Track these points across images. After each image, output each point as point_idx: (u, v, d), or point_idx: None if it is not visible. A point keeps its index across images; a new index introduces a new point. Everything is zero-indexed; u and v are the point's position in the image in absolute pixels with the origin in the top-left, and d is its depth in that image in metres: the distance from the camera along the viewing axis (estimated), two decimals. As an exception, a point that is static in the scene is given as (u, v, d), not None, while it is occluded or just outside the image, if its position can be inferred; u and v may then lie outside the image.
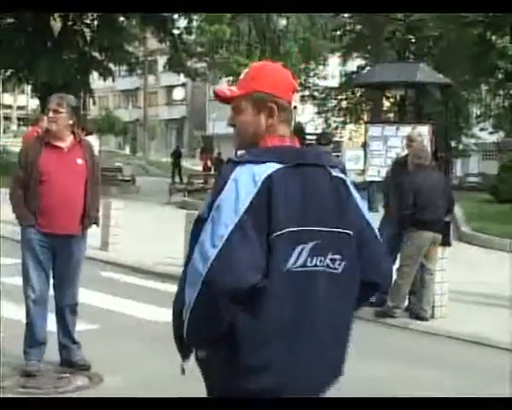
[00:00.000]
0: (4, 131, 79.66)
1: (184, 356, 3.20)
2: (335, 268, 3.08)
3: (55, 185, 6.71)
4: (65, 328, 7.00)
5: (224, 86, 3.46)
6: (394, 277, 9.47)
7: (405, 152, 10.35)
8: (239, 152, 3.25)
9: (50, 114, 6.73)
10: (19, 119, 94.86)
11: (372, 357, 7.86)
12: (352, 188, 3.24)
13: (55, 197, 6.71)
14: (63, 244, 6.80)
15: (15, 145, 37.60)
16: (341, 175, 3.20)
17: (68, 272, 6.94)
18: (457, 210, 16.97)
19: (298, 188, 3.04)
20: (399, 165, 10.22)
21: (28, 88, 42.70)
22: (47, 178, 6.69)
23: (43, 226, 6.70)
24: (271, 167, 2.99)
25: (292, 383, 3.06)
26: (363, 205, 3.29)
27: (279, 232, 2.95)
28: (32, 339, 6.79)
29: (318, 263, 3.04)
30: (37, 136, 7.21)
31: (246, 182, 2.96)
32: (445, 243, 9.58)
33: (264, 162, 3.02)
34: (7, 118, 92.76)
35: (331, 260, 3.07)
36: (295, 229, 2.99)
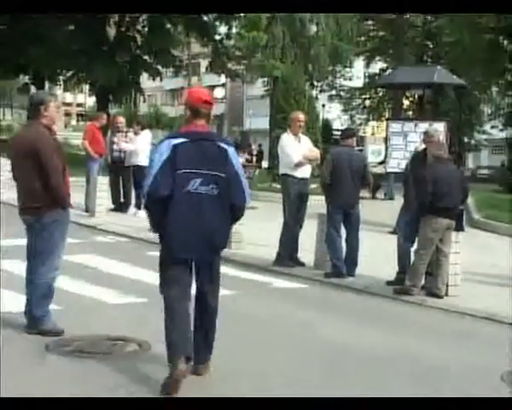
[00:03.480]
0: (66, 126, 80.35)
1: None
2: (213, 192, 5.55)
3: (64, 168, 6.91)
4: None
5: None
6: (412, 258, 9.46)
7: (423, 146, 10.28)
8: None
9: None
10: (78, 115, 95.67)
11: (394, 330, 7.86)
12: (230, 152, 5.65)
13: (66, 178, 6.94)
14: None
15: (75, 138, 37.89)
16: (224, 146, 5.66)
17: None
18: (469, 199, 16.81)
19: (194, 151, 5.52)
20: (418, 158, 10.17)
21: (86, 87, 42.92)
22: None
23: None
24: (178, 140, 5.56)
25: (187, 245, 5.54)
26: (236, 162, 5.69)
27: (180, 171, 5.46)
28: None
29: (203, 189, 5.52)
30: (46, 127, 6.79)
31: (165, 147, 5.52)
32: (459, 228, 9.51)
33: (176, 138, 5.62)
34: (67, 114, 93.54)
35: (211, 188, 5.54)
36: (191, 171, 5.48)
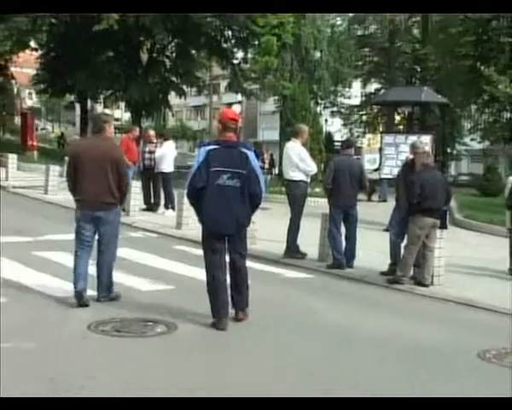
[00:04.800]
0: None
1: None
2: (237, 185, 6.41)
3: None
4: None
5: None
6: (402, 252, 9.42)
7: (412, 156, 10.23)
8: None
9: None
10: (115, 128, 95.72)
11: (386, 314, 7.84)
12: (249, 155, 6.49)
13: None
14: None
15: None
16: (245, 150, 6.50)
17: None
18: (452, 201, 16.75)
19: (223, 155, 6.43)
20: (408, 166, 10.12)
21: (122, 104, 43.04)
22: None
23: None
24: (211, 146, 6.52)
25: (220, 227, 6.45)
26: (254, 163, 6.52)
27: (213, 170, 6.37)
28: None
29: (230, 182, 6.39)
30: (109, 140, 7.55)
31: (202, 152, 6.47)
32: (443, 226, 9.47)
33: (210, 145, 6.58)
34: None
35: (236, 181, 6.41)
36: (220, 169, 6.38)
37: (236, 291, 6.72)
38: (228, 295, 6.64)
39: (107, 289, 7.35)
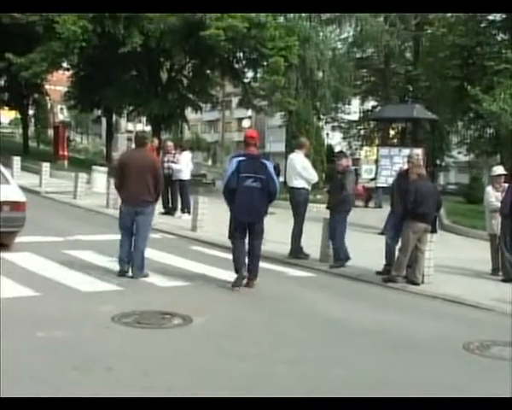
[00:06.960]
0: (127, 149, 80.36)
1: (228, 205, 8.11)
2: (259, 186, 7.87)
3: None
4: None
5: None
6: (396, 254, 9.38)
7: (405, 166, 10.18)
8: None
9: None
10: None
11: (381, 309, 7.80)
12: (267, 164, 7.98)
13: None
14: None
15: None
16: (264, 161, 8.04)
17: None
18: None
19: (249, 164, 7.89)
20: (401, 175, 10.08)
21: (144, 119, 43.13)
22: None
23: None
24: (240, 158, 7.99)
25: (246, 216, 7.92)
26: (271, 169, 7.98)
27: (242, 175, 7.81)
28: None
29: (254, 184, 7.84)
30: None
31: (233, 162, 7.94)
32: (433, 230, 9.43)
33: (239, 156, 8.05)
34: (129, 139, 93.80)
35: (258, 183, 7.84)
36: (247, 175, 7.84)
37: (251, 262, 8.08)
38: (245, 262, 8.00)
39: (139, 268, 8.23)
